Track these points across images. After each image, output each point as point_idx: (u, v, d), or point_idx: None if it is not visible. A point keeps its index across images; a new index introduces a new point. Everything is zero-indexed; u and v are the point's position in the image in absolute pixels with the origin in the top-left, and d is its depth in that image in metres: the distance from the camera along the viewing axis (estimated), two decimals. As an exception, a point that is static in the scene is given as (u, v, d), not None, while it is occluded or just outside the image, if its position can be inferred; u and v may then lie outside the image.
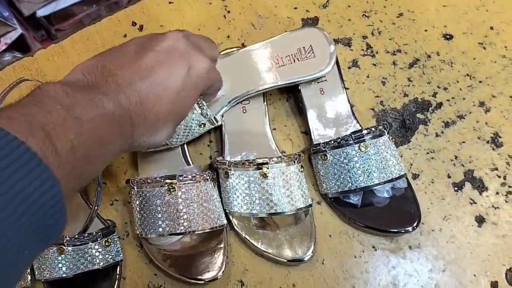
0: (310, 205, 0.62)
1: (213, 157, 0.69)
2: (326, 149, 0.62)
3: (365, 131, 0.61)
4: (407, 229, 0.61)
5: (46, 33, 1.53)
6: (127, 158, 0.69)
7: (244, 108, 0.68)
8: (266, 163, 0.59)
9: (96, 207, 0.59)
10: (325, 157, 0.62)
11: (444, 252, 0.62)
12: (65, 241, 0.57)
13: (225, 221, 0.62)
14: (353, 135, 0.61)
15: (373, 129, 0.61)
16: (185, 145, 0.67)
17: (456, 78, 0.72)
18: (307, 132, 0.69)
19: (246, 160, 0.60)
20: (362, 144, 0.60)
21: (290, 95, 0.73)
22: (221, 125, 0.67)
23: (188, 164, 0.66)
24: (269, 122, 0.68)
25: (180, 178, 0.59)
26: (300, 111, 0.71)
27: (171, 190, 0.59)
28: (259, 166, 0.59)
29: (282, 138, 0.70)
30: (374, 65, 0.74)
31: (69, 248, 0.57)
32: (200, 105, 0.59)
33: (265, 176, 0.59)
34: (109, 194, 0.67)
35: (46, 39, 1.52)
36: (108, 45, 0.69)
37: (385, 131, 0.62)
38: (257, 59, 0.66)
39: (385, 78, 0.73)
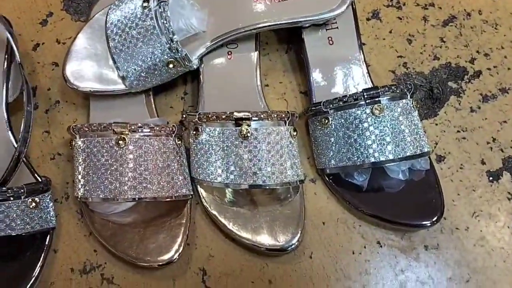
0: (302, 181, 0.48)
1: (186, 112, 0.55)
2: (328, 109, 0.48)
3: (380, 90, 0.46)
4: (424, 223, 0.47)
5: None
6: (79, 104, 0.55)
7: (229, 53, 0.54)
8: (248, 119, 0.45)
9: (19, 152, 0.45)
10: (326, 121, 0.48)
11: (470, 257, 0.48)
12: (-27, 192, 0.43)
13: (190, 192, 0.48)
14: (365, 93, 0.46)
15: (393, 87, 0.46)
16: (151, 94, 0.53)
17: (501, 43, 0.57)
18: (307, 93, 0.55)
19: (222, 112, 0.46)
20: (376, 106, 0.46)
21: (291, 46, 0.58)
22: (199, 72, 0.53)
23: (153, 116, 0.52)
24: (260, 76, 0.53)
25: (133, 127, 0.45)
26: (301, 67, 0.57)
27: (120, 141, 0.45)
28: (238, 122, 0.45)
29: (275, 97, 0.55)
30: (400, 18, 0.59)
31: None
32: (169, 35, 0.45)
33: (245, 136, 0.45)
34: (51, 146, 0.53)
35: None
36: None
37: (407, 93, 0.47)
38: (253, -10, 0.52)
39: (412, 35, 0.58)
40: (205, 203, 0.49)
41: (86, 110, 0.55)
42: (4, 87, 0.51)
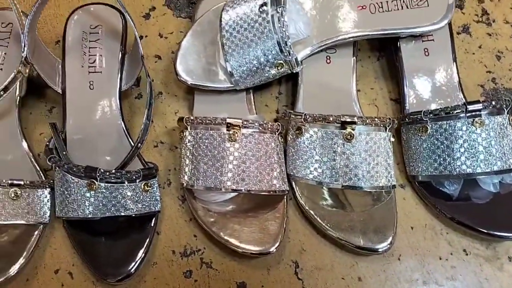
0: (394, 186, 0.50)
1: (281, 112, 0.58)
2: (428, 119, 0.50)
3: (483, 104, 0.48)
4: (509, 235, 0.48)
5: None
6: (181, 95, 0.59)
7: (328, 57, 0.56)
8: (354, 122, 0.47)
9: (142, 140, 0.48)
10: (424, 130, 0.50)
11: (555, 272, 0.49)
12: (98, 174, 0.46)
13: (287, 188, 0.51)
14: (467, 106, 0.48)
15: (493, 103, 0.48)
16: (251, 92, 0.56)
17: None
18: (397, 100, 0.57)
19: (328, 115, 0.48)
20: (477, 119, 0.48)
21: (382, 54, 0.60)
22: (297, 74, 0.55)
23: (251, 113, 0.55)
24: (356, 81, 0.55)
25: (245, 123, 0.48)
26: (392, 74, 0.59)
27: (232, 136, 0.48)
28: (343, 124, 0.48)
29: (366, 102, 0.58)
30: (489, 35, 0.61)
31: (102, 184, 0.47)
32: (284, 39, 0.48)
33: (349, 138, 0.48)
34: (154, 135, 0.57)
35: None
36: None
37: (504, 110, 0.49)
38: None
39: (501, 52, 0.60)
40: (300, 200, 0.52)
41: (187, 102, 0.58)
42: (119, 76, 0.54)
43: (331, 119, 0.48)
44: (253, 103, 0.56)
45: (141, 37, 0.61)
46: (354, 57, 0.56)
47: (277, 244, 0.48)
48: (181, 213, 0.53)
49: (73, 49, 0.55)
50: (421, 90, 0.55)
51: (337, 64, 0.56)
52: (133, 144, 0.53)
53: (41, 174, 0.52)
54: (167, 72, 0.60)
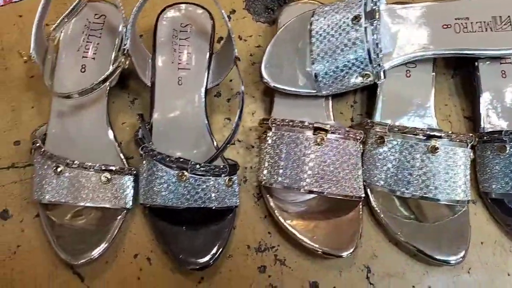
0: (469, 201, 0.52)
1: (355, 120, 0.60)
2: (507, 139, 0.51)
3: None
4: None
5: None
6: (258, 97, 0.61)
7: (408, 71, 0.58)
8: (439, 137, 0.49)
9: (232, 138, 0.50)
10: (502, 150, 0.52)
11: None
12: (189, 166, 0.48)
13: (363, 194, 0.53)
14: (551, 129, 0.49)
15: None
16: (330, 99, 0.58)
17: None
18: (471, 118, 0.58)
19: (414, 127, 0.50)
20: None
21: (456, 72, 0.62)
22: (375, 85, 0.57)
23: (329, 119, 0.57)
24: (434, 96, 0.57)
25: (333, 129, 0.50)
26: (466, 92, 0.60)
27: (319, 140, 0.50)
28: (429, 137, 0.49)
29: (440, 118, 0.59)
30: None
31: (190, 176, 0.49)
32: (376, 51, 0.50)
33: (433, 151, 0.49)
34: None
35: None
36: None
37: None
38: (440, 18, 0.55)
39: None
40: (375, 207, 0.53)
41: (263, 104, 0.60)
42: (206, 74, 0.56)
43: (416, 131, 0.49)
44: (331, 109, 0.57)
45: (221, 38, 0.63)
46: (433, 73, 0.58)
47: (352, 249, 0.50)
48: (256, 210, 0.55)
49: (164, 45, 0.57)
50: (496, 110, 0.56)
51: (417, 78, 0.58)
52: (215, 140, 0.56)
53: (125, 162, 0.54)
54: (246, 74, 0.62)
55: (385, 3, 0.56)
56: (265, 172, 0.53)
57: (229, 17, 0.65)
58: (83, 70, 0.56)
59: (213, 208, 0.51)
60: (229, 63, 0.54)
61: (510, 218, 0.53)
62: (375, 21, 0.50)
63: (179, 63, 0.57)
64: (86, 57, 0.57)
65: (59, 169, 0.49)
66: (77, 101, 0.55)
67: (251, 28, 0.65)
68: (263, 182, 0.53)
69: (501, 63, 0.58)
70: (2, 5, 0.64)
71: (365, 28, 0.51)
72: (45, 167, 0.50)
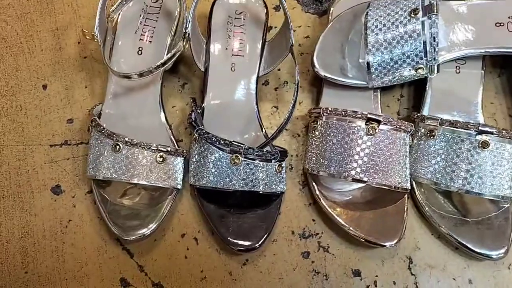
0: (515, 198, 0.52)
1: (401, 113, 0.60)
2: (557, 139, 0.51)
3: None
4: None
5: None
6: (305, 87, 0.62)
7: (458, 68, 0.58)
8: (490, 133, 0.50)
9: (286, 124, 0.51)
10: (551, 148, 0.52)
11: None
12: (243, 150, 0.50)
13: (409, 186, 0.53)
14: None
15: None
16: (379, 91, 0.59)
17: None
18: (516, 117, 0.59)
19: (466, 122, 0.50)
20: None
21: (503, 71, 0.62)
22: (424, 80, 0.58)
23: (377, 111, 0.58)
24: (483, 93, 0.57)
25: (386, 120, 0.51)
26: (511, 92, 0.61)
27: (371, 130, 0.50)
28: (481, 133, 0.50)
29: (486, 115, 0.59)
30: None
31: (243, 160, 0.50)
32: (433, 44, 0.51)
33: (484, 146, 0.50)
34: (279, 121, 0.60)
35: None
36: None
37: None
38: (495, 15, 0.56)
39: None
40: (419, 199, 0.54)
41: (310, 94, 0.61)
42: (258, 62, 0.58)
43: (469, 126, 0.50)
44: (379, 102, 0.58)
45: (271, 27, 0.64)
46: (483, 70, 0.58)
47: (397, 240, 0.51)
48: (301, 197, 0.56)
49: (219, 31, 0.59)
50: (544, 110, 0.57)
51: (466, 75, 0.58)
52: (263, 126, 0.57)
53: (175, 144, 0.56)
54: (293, 63, 0.63)
55: (439, -1, 0.56)
56: (313, 159, 0.54)
57: (278, 7, 0.66)
58: (139, 52, 0.58)
59: (261, 192, 0.52)
60: (282, 52, 0.56)
61: (555, 218, 0.53)
62: (434, 15, 0.51)
63: (233, 50, 0.58)
64: (143, 40, 0.58)
65: (118, 147, 0.51)
66: (133, 83, 0.56)
67: (300, 18, 0.66)
68: (310, 170, 0.54)
69: (550, 64, 0.58)
70: (57, -14, 0.66)
71: (423, 21, 0.51)
72: (103, 144, 0.52)
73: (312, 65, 0.57)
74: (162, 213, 0.53)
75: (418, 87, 0.60)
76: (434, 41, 0.51)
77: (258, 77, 0.58)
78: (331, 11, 0.62)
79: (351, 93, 0.58)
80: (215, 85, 0.57)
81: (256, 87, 0.58)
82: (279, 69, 0.63)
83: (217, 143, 0.51)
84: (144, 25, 0.58)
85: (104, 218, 0.53)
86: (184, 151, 0.54)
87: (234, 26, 0.59)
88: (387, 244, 0.51)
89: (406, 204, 0.54)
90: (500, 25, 0.56)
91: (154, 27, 0.59)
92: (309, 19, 0.66)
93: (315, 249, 0.54)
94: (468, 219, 0.53)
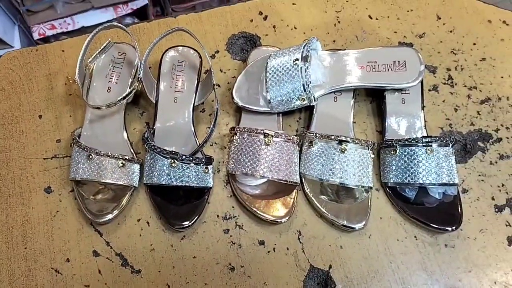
0: (371, 188, 0.75)
1: (300, 131, 0.84)
2: (397, 145, 0.75)
3: (433, 138, 0.73)
4: (447, 228, 0.72)
5: (161, 10, 1.75)
6: (231, 113, 0.85)
7: (335, 98, 0.82)
8: (347, 141, 0.73)
9: (208, 138, 0.74)
10: (394, 152, 0.75)
11: (474, 257, 0.73)
12: (178, 157, 0.72)
13: (298, 180, 0.76)
14: (423, 139, 0.73)
15: (441, 138, 0.73)
16: (281, 115, 0.82)
17: (520, 122, 0.83)
18: (381, 132, 0.82)
19: (331, 135, 0.74)
20: (428, 147, 0.73)
21: (374, 99, 0.86)
22: (313, 106, 0.81)
23: (279, 129, 0.81)
24: (353, 116, 0.81)
25: (276, 134, 0.74)
26: (379, 113, 0.84)
27: (267, 141, 0.74)
28: (340, 142, 0.73)
29: (359, 131, 0.83)
30: (451, 93, 0.86)
31: (179, 163, 0.73)
32: (307, 82, 0.74)
33: (343, 151, 0.73)
34: (211, 138, 0.83)
35: (159, 15, 1.74)
36: (236, 25, 0.87)
37: (450, 143, 0.74)
38: (357, 61, 0.80)
39: (458, 106, 0.85)
40: (306, 190, 0.76)
41: (235, 117, 0.84)
42: (194, 96, 0.81)
43: (332, 137, 0.73)
44: (281, 122, 0.81)
45: (207, 71, 0.88)
46: (353, 99, 0.82)
47: (288, 217, 0.73)
48: (224, 191, 0.78)
49: (166, 75, 0.82)
50: (397, 127, 0.80)
51: (341, 103, 0.82)
52: (198, 142, 0.80)
53: (134, 155, 0.78)
54: (223, 96, 0.86)
55: (321, 49, 0.81)
56: (231, 164, 0.77)
57: (214, 55, 0.90)
58: (109, 91, 0.81)
59: (194, 187, 0.74)
60: (209, 89, 0.79)
61: (401, 201, 0.76)
62: (307, 63, 0.75)
63: (176, 87, 0.82)
64: (111, 81, 0.81)
65: (90, 157, 0.73)
66: (104, 112, 0.79)
67: (230, 63, 0.90)
68: (230, 171, 0.77)
69: (402, 93, 0.82)
70: (50, 42, 0.90)
71: (301, 67, 0.75)
72: (80, 155, 0.74)
73: (232, 97, 0.81)
74: (123, 204, 0.75)
75: (311, 112, 0.83)
76: (309, 80, 0.75)
77: (194, 106, 0.81)
78: (248, 58, 0.86)
79: (261, 117, 0.81)
80: (163, 112, 0.80)
81: (193, 114, 0.81)
82: (212, 100, 0.86)
83: (161, 153, 0.73)
84: (112, 71, 0.82)
85: (81, 209, 0.74)
86: (139, 159, 0.77)
87: (177, 71, 0.83)
88: (283, 220, 0.73)
89: (296, 194, 0.76)
90: (362, 67, 0.80)
91: (120, 72, 0.82)
92: (236, 64, 0.90)
93: (233, 227, 0.76)
94: (341, 204, 0.75)
